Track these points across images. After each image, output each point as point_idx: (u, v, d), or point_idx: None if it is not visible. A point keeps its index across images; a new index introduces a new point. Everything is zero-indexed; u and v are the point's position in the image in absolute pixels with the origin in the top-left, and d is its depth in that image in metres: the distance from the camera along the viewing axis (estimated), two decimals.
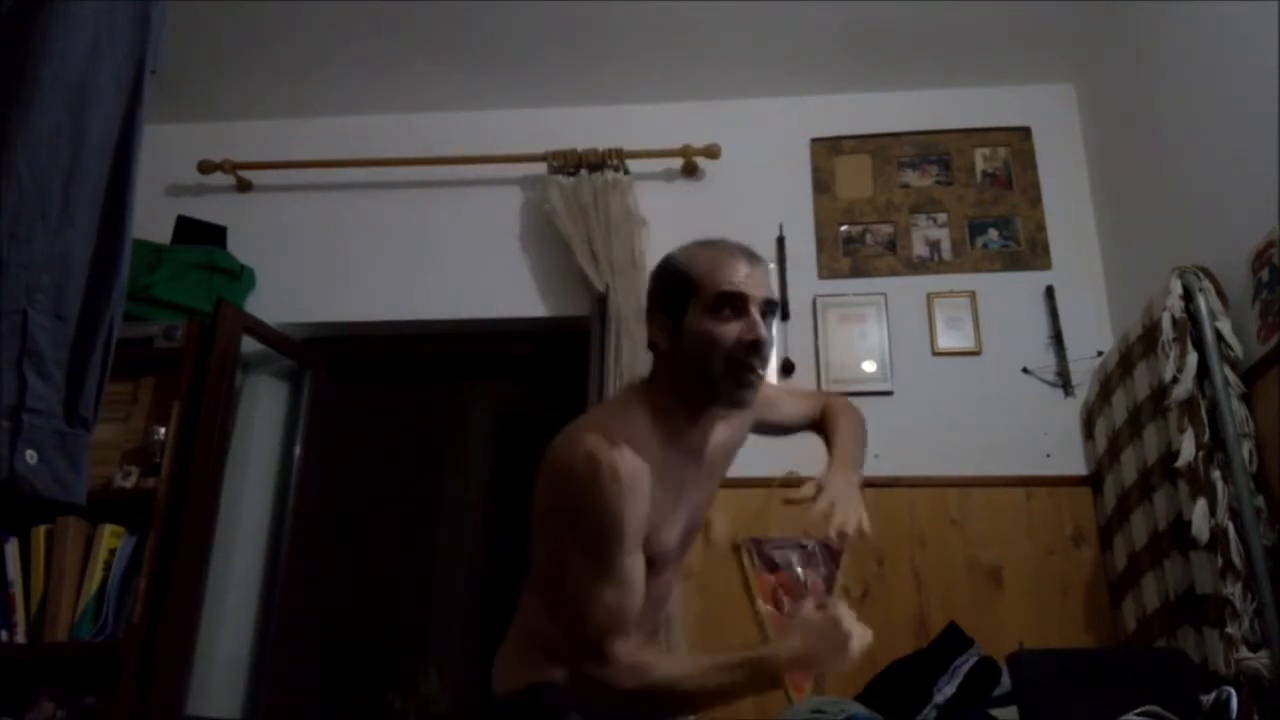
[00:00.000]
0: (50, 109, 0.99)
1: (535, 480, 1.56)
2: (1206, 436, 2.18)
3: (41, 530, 2.79)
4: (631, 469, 1.43)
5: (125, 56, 1.08)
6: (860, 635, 1.40)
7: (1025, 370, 3.05)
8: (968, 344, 3.11)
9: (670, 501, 1.53)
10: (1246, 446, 2.17)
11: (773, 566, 2.88)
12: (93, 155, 1.02)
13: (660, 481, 1.48)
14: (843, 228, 3.31)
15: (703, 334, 1.47)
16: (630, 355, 2.97)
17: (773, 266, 3.11)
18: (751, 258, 1.53)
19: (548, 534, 1.51)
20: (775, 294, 1.57)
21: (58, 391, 0.99)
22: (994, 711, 2.33)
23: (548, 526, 1.51)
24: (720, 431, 1.63)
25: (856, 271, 3.23)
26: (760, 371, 1.50)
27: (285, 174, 3.48)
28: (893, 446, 2.81)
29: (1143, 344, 2.49)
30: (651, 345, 1.57)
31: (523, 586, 1.64)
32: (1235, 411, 2.19)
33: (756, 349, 1.47)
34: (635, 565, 1.45)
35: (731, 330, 1.46)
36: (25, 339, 0.95)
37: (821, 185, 3.35)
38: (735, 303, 1.47)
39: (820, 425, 1.90)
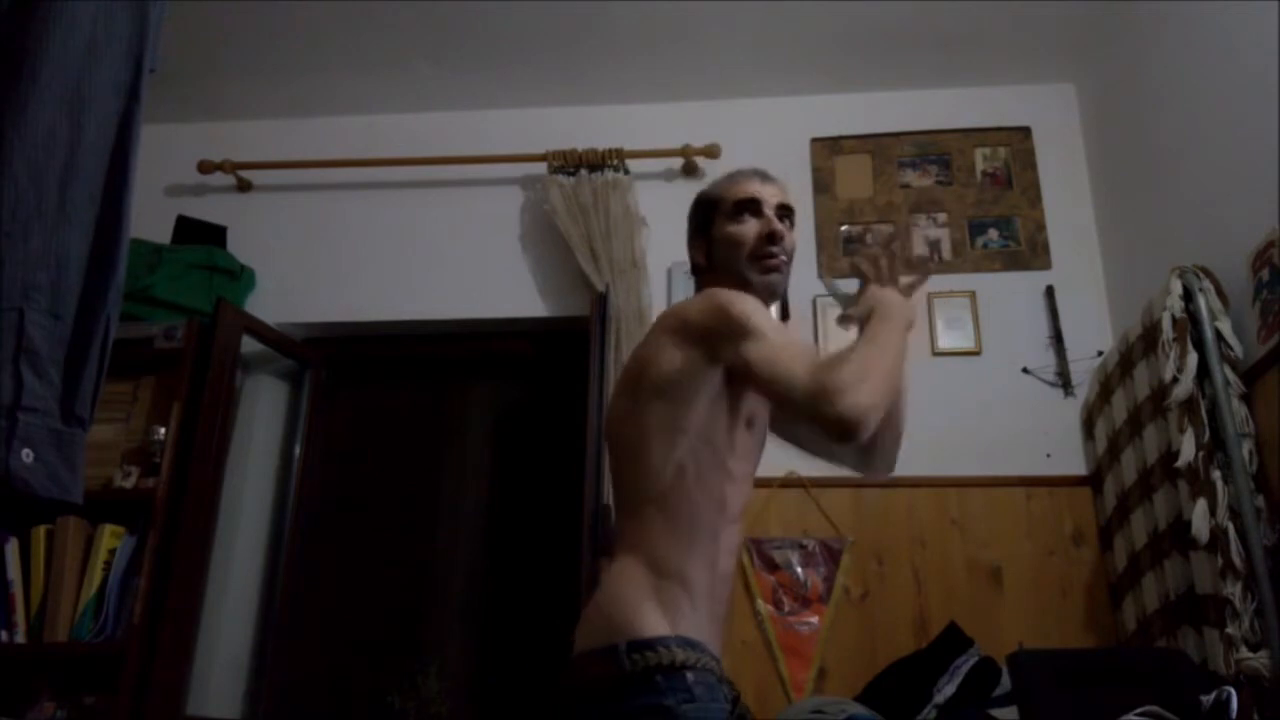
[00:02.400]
0: (47, 108, 0.99)
1: (614, 399, 1.65)
2: (1206, 436, 2.18)
3: (41, 530, 2.79)
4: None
5: (123, 56, 1.08)
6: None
7: (1025, 370, 3.05)
8: (968, 344, 3.10)
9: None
10: (1246, 446, 2.17)
11: (773, 566, 2.88)
12: (90, 154, 1.02)
13: None
14: (843, 227, 3.31)
15: (727, 237, 1.67)
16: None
17: None
18: (764, 175, 1.73)
19: (664, 394, 1.51)
20: (790, 200, 1.73)
21: (54, 390, 0.98)
22: (994, 711, 2.33)
23: (664, 384, 1.51)
24: None
25: (856, 271, 3.22)
26: (782, 257, 1.66)
27: (285, 174, 3.49)
28: None
29: (1143, 344, 2.49)
30: (695, 269, 1.75)
31: (616, 535, 1.56)
32: (1235, 411, 2.20)
33: (773, 239, 1.65)
34: (785, 333, 1.53)
35: (751, 228, 1.66)
36: (21, 337, 0.95)
37: (822, 185, 3.35)
38: (751, 207, 1.67)
39: None
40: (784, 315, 3.11)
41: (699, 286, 1.74)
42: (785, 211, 1.70)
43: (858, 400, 1.35)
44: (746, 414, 1.55)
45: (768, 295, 1.65)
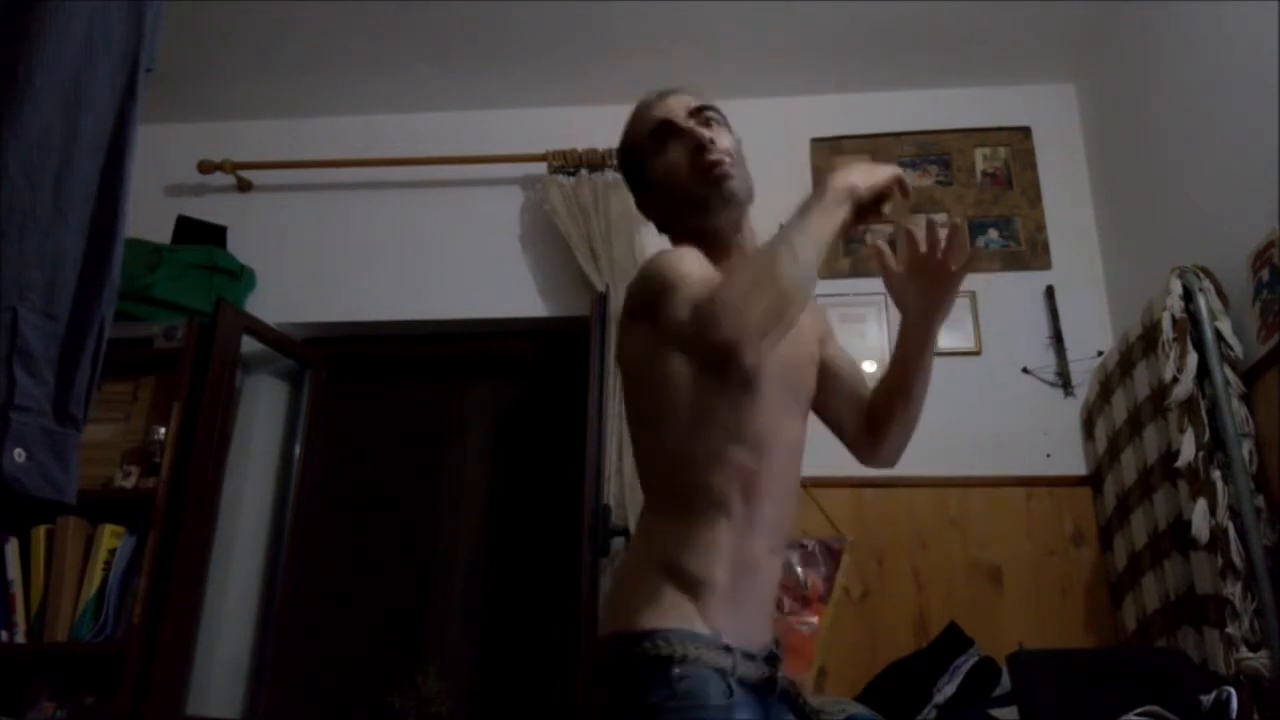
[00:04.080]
0: (43, 107, 0.99)
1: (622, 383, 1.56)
2: (1206, 436, 2.18)
3: (41, 530, 2.79)
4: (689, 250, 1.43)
5: (119, 55, 1.08)
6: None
7: (1025, 370, 3.05)
8: (968, 344, 3.10)
9: None
10: (1246, 446, 2.17)
11: None
12: (85, 153, 1.02)
13: None
14: None
15: (661, 172, 1.50)
16: None
17: None
18: (664, 91, 1.55)
19: (641, 378, 1.43)
20: (704, 99, 1.53)
21: (47, 390, 0.98)
22: (994, 711, 2.33)
23: (641, 369, 1.42)
24: None
25: (856, 271, 3.22)
26: (725, 159, 1.47)
27: (285, 174, 3.49)
28: None
29: (1143, 344, 2.48)
30: (659, 226, 1.58)
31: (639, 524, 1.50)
32: (1235, 411, 2.19)
33: (703, 149, 1.47)
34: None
35: (678, 151, 1.49)
36: (15, 337, 0.95)
37: None
38: (666, 130, 1.50)
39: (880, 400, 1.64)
40: None
41: (674, 244, 1.56)
42: (703, 113, 1.51)
43: (736, 321, 1.18)
44: (741, 375, 1.28)
45: (733, 206, 1.48)
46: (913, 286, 1.49)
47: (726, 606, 1.30)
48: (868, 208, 1.34)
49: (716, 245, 1.48)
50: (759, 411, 1.37)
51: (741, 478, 1.35)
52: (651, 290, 1.37)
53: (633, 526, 2.64)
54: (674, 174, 1.49)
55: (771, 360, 1.27)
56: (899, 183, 1.35)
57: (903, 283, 1.50)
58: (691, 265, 1.37)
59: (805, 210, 1.29)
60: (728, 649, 1.28)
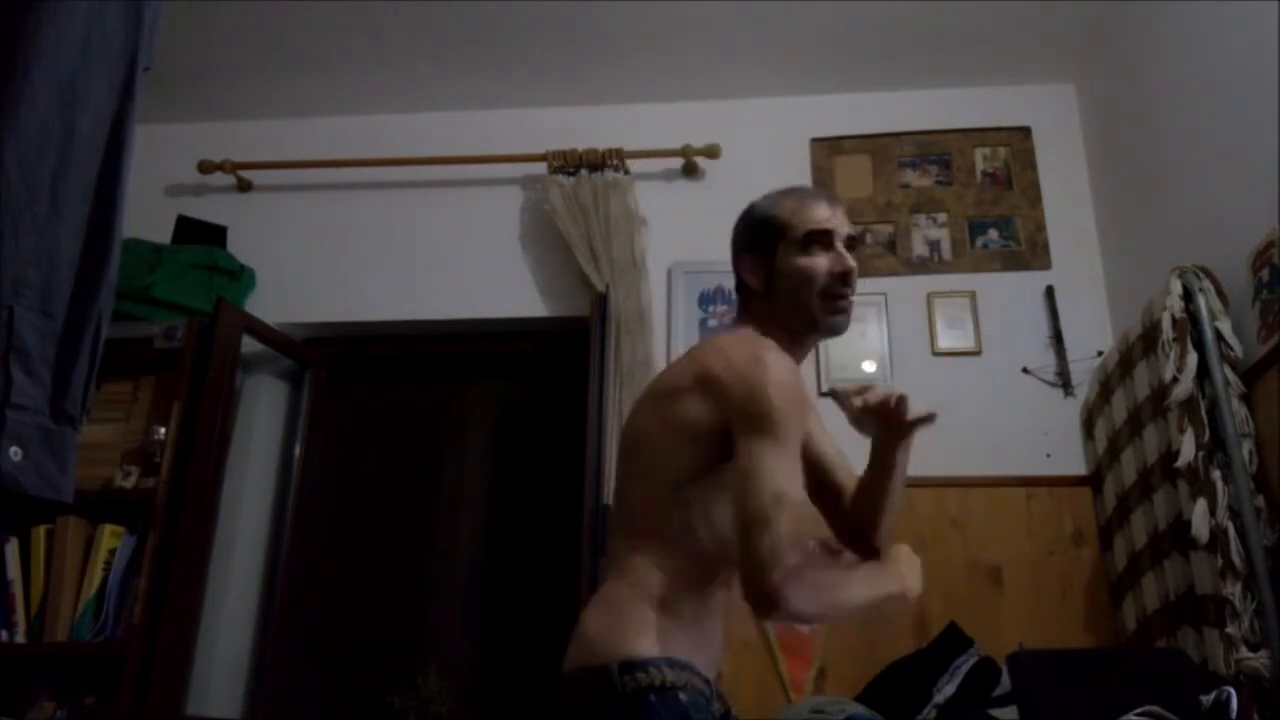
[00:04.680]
0: (40, 105, 0.99)
1: (640, 409, 1.56)
2: (1206, 436, 2.18)
3: (41, 530, 2.79)
4: (785, 358, 1.49)
5: (117, 54, 1.08)
6: None
7: (1025, 370, 3.05)
8: (968, 344, 3.10)
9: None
10: (1246, 446, 2.16)
11: None
12: (83, 152, 1.02)
13: None
14: None
15: (797, 270, 1.57)
16: (630, 355, 2.96)
17: None
18: (832, 199, 1.64)
19: (686, 440, 1.45)
20: (857, 232, 1.68)
21: (44, 388, 0.98)
22: (994, 711, 2.32)
23: (690, 433, 1.45)
24: None
25: (857, 271, 3.22)
26: (851, 297, 1.58)
27: (285, 174, 3.49)
28: None
29: (1143, 344, 2.48)
30: (741, 286, 1.65)
31: (611, 552, 1.54)
32: (1235, 411, 2.19)
33: (847, 279, 1.57)
34: (800, 449, 1.42)
35: (822, 264, 1.56)
36: (11, 335, 0.95)
37: (822, 185, 3.35)
38: (823, 239, 1.57)
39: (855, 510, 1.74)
40: None
41: (744, 307, 1.64)
42: (853, 243, 1.61)
43: (793, 602, 1.27)
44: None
45: (830, 334, 1.60)
46: (869, 423, 1.64)
47: (703, 641, 1.43)
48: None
49: (793, 351, 1.56)
50: None
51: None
52: (751, 406, 1.39)
53: None
54: (807, 280, 1.56)
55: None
56: None
57: (859, 422, 1.65)
58: (792, 425, 1.39)
59: (894, 577, 1.52)
60: (709, 681, 1.40)
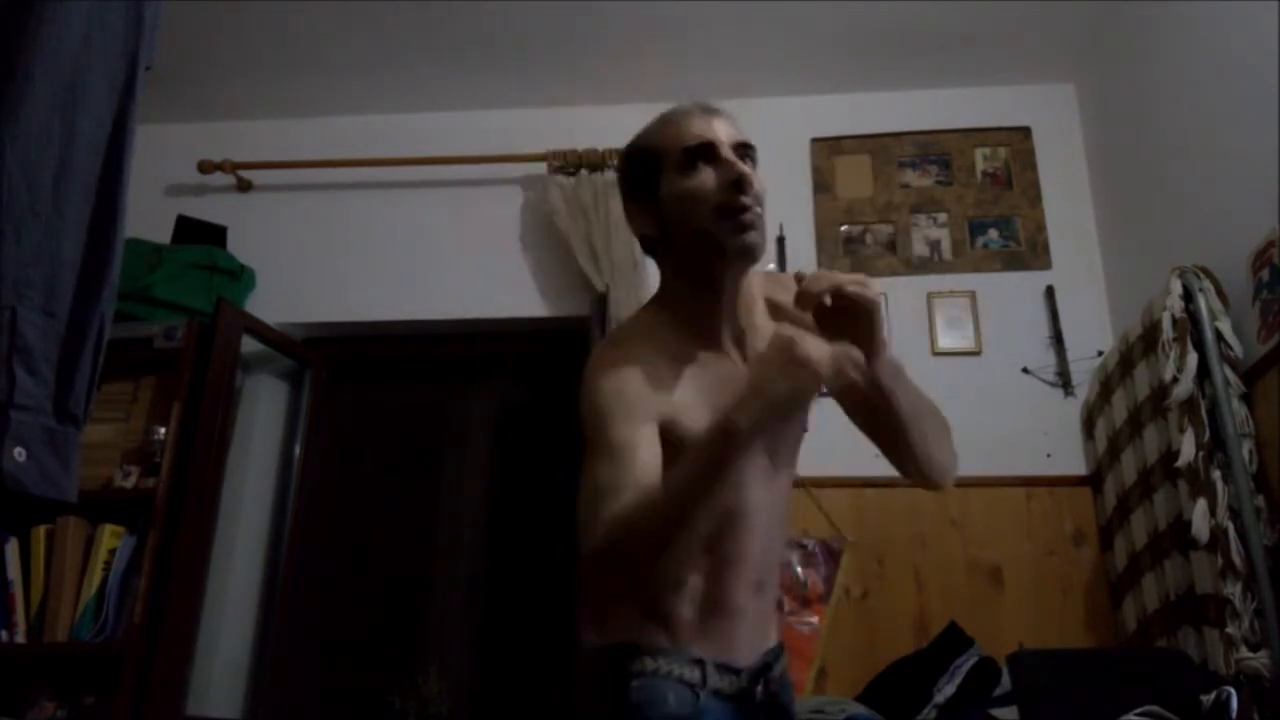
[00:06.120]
0: (41, 105, 0.99)
1: None
2: (1206, 436, 2.18)
3: (41, 530, 2.79)
4: (621, 354, 1.33)
5: (118, 54, 1.08)
6: (817, 346, 1.15)
7: (1025, 370, 3.05)
8: (968, 344, 3.10)
9: (693, 388, 1.34)
10: (1246, 446, 2.17)
11: None
12: (84, 152, 1.02)
13: (673, 366, 1.34)
14: (843, 228, 3.31)
15: (682, 194, 1.34)
16: None
17: (772, 266, 3.11)
18: (708, 107, 1.40)
19: None
20: (747, 137, 1.39)
21: (47, 388, 0.98)
22: (994, 711, 2.33)
23: None
24: (767, 329, 1.40)
25: (856, 271, 3.21)
26: (756, 209, 1.33)
27: (285, 174, 3.49)
28: None
29: (1143, 344, 2.48)
30: (642, 240, 1.45)
31: None
32: (1235, 411, 2.19)
33: (740, 186, 1.32)
34: (636, 440, 1.24)
35: (710, 179, 1.33)
36: (14, 335, 0.95)
37: (821, 185, 3.35)
38: (705, 153, 1.34)
39: None
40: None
41: (659, 265, 1.44)
42: (745, 150, 1.37)
43: (599, 545, 1.17)
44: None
45: (743, 257, 1.34)
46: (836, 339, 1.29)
47: (700, 631, 1.34)
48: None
49: (706, 296, 1.39)
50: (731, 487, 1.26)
51: (713, 553, 1.33)
52: (584, 424, 1.30)
53: None
54: (695, 201, 1.33)
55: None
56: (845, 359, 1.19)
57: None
58: (615, 428, 1.25)
59: (697, 454, 1.19)
60: (699, 662, 1.31)
